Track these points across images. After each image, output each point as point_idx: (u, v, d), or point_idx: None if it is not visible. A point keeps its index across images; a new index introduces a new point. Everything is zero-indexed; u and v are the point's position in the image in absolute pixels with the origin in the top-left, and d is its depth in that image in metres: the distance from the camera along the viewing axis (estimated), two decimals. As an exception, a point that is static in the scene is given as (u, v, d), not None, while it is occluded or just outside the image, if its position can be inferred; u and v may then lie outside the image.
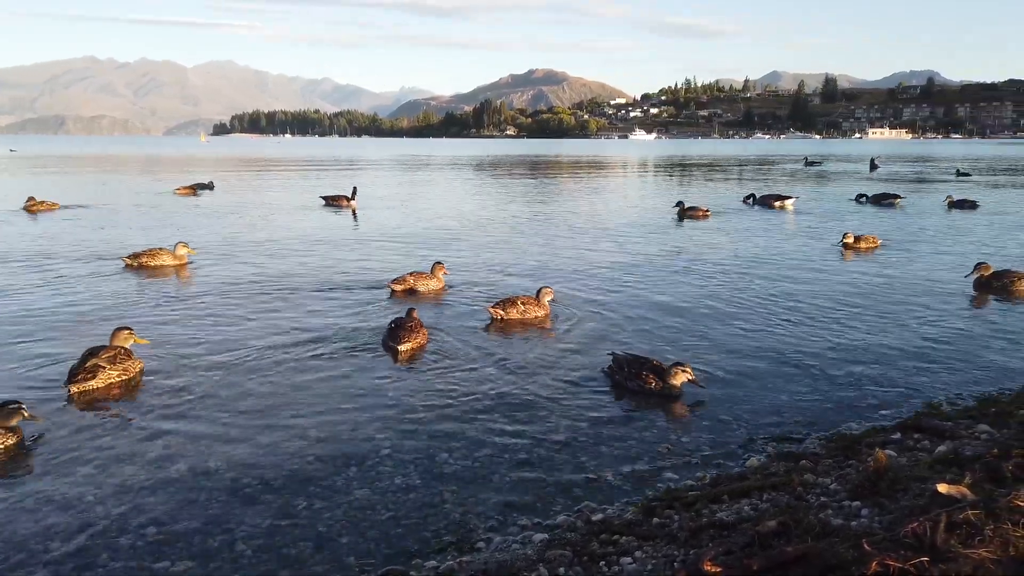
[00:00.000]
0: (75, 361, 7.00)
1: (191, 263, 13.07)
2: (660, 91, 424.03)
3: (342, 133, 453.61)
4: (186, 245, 13.09)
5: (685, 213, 20.91)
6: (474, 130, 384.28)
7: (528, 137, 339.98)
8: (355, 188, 23.82)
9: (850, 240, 15.03)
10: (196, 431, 5.86)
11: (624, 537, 4.05)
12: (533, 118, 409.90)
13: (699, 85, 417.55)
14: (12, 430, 5.58)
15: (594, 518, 4.38)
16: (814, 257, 14.22)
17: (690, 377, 6.62)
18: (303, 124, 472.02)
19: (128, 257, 12.76)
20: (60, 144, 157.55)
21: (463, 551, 4.17)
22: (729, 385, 6.95)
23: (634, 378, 6.77)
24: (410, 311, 8.56)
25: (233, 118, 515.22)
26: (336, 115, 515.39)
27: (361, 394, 6.68)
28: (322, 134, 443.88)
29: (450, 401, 6.53)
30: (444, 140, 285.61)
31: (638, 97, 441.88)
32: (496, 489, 4.92)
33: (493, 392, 6.76)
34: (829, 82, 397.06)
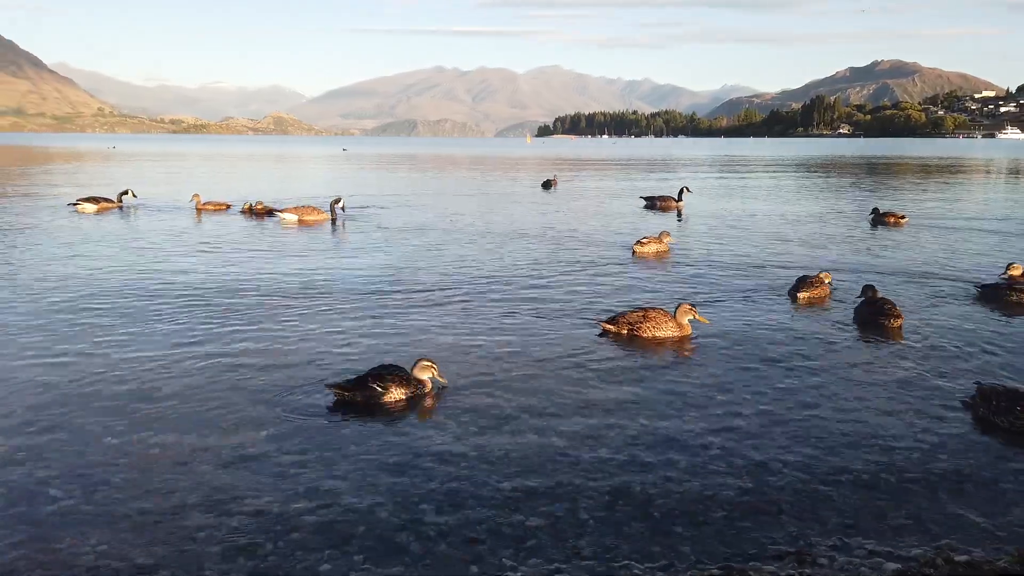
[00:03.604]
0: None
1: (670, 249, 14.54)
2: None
3: (658, 133, 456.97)
4: (668, 234, 14.54)
5: (880, 218, 19.36)
6: (801, 128, 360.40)
7: (866, 136, 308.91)
8: (683, 189, 23.44)
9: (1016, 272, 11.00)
10: (565, 402, 6.47)
11: (999, 587, 3.61)
12: (873, 115, 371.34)
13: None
14: (421, 383, 6.61)
15: (958, 559, 3.97)
16: None
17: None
18: (620, 125, 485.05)
19: (637, 244, 14.13)
20: (397, 144, 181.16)
21: (803, 564, 4.06)
22: None
23: (1006, 413, 5.91)
24: (819, 273, 10.68)
25: (556, 120, 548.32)
26: (653, 115, 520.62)
27: (698, 397, 6.79)
28: (638, 134, 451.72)
29: (786, 410, 6.32)
30: (766, 140, 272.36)
31: (1012, 89, 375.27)
32: (837, 509, 4.68)
33: (835, 406, 6.39)
34: None
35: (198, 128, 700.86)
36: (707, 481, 5.04)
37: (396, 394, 6.43)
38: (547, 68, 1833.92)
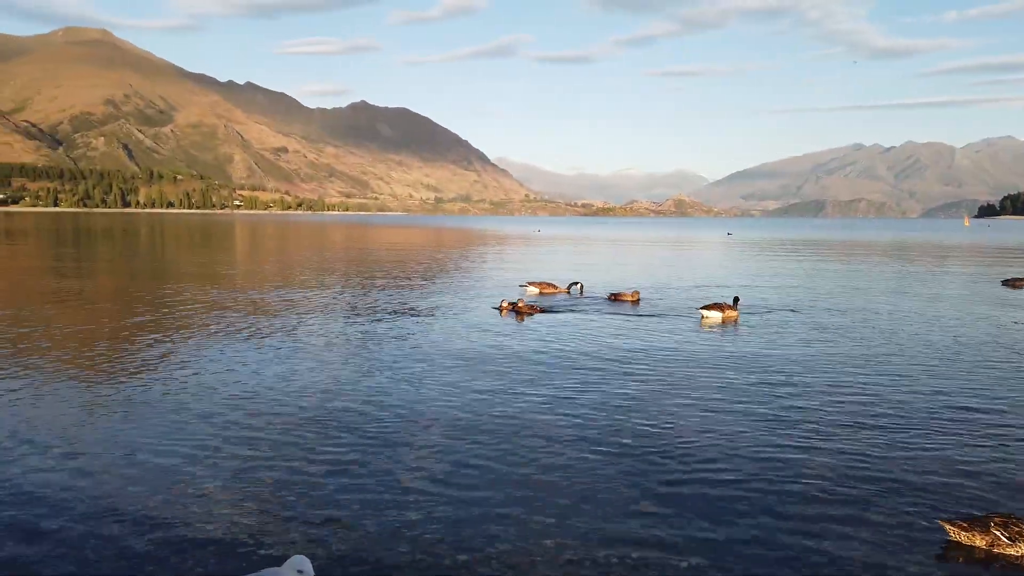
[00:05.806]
0: None
1: None
2: None
3: None
4: None
5: None
6: None
7: None
8: None
9: None
10: None
11: None
12: None
13: None
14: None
15: None
16: None
17: None
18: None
19: None
20: (797, 227, 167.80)
21: None
22: None
23: None
24: None
25: (1004, 198, 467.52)
26: None
27: None
28: None
29: None
30: None
31: None
32: None
33: None
34: None
35: (605, 211, 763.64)
36: None
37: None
38: (995, 140, 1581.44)
